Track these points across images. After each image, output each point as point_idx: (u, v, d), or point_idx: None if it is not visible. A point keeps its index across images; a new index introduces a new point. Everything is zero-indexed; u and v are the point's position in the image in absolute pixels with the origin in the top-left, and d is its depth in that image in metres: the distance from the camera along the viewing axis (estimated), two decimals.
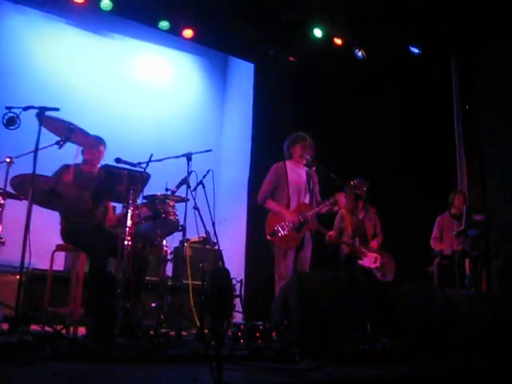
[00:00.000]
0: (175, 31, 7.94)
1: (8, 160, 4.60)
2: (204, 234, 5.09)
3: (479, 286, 6.60)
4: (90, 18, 7.85)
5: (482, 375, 2.95)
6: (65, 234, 4.84)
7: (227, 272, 3.76)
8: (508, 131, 7.37)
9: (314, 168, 5.56)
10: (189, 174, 5.13)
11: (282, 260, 5.23)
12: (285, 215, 5.31)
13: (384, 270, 6.37)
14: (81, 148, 4.94)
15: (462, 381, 2.76)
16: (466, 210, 6.48)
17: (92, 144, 4.64)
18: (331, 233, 6.40)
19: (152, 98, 8.75)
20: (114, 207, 5.11)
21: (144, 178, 4.50)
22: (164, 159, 5.12)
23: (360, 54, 8.26)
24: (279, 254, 5.27)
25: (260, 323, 4.58)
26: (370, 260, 6.29)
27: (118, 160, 4.70)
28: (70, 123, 4.00)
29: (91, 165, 4.94)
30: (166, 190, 5.05)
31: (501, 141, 7.49)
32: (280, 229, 5.26)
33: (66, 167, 4.87)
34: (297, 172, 5.56)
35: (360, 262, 6.30)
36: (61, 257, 6.21)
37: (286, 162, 5.60)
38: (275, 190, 5.49)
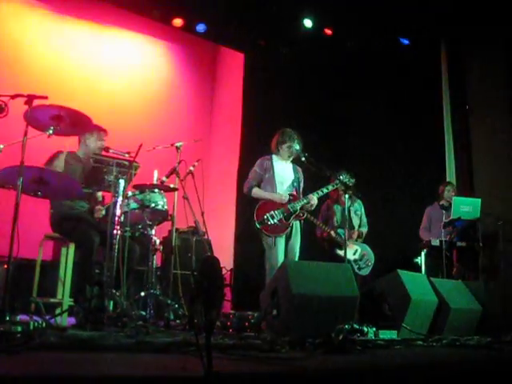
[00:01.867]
0: (165, 20, 7.90)
1: None
2: (193, 224, 5.09)
3: (466, 276, 6.66)
4: (78, 5, 7.79)
5: (469, 364, 2.98)
6: (54, 223, 4.83)
7: (217, 260, 3.76)
8: (497, 123, 7.42)
9: (302, 159, 5.53)
10: (178, 163, 5.12)
11: (271, 249, 5.26)
12: (274, 197, 5.33)
13: (361, 264, 6.36)
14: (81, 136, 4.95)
15: (451, 370, 2.78)
16: (455, 200, 6.52)
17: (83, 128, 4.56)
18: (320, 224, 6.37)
19: (141, 87, 8.71)
20: (103, 197, 5.09)
21: (133, 168, 4.48)
22: (153, 149, 5.11)
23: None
24: (269, 243, 5.29)
25: (249, 313, 4.59)
26: (349, 251, 6.24)
27: (107, 149, 4.69)
28: (61, 110, 3.93)
29: (88, 154, 4.89)
30: (156, 179, 5.04)
31: (490, 132, 7.53)
32: (269, 217, 5.29)
33: (59, 154, 4.85)
34: (283, 167, 5.61)
35: (340, 252, 6.31)
36: (49, 246, 6.19)
37: (273, 155, 5.62)
38: (261, 182, 5.52)
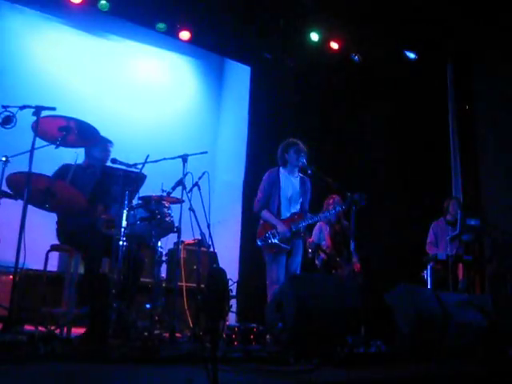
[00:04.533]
0: (172, 33, 7.95)
1: (4, 159, 4.57)
2: (199, 236, 5.09)
3: (473, 290, 6.63)
4: (87, 18, 7.84)
5: (475, 378, 2.96)
6: (60, 233, 4.83)
7: (224, 272, 3.76)
8: (503, 137, 7.41)
9: (308, 172, 5.53)
10: (184, 175, 5.13)
11: (272, 265, 5.24)
12: (278, 227, 5.30)
13: None
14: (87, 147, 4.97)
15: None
16: (461, 214, 6.50)
17: (93, 142, 4.60)
18: (311, 239, 6.39)
19: (148, 99, 8.74)
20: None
21: (140, 179, 4.50)
22: (160, 160, 5.13)
23: (356, 57, 8.29)
24: (269, 259, 5.28)
25: (254, 325, 4.58)
26: (343, 272, 6.23)
27: (113, 161, 4.71)
28: (69, 121, 3.96)
29: (93, 165, 4.90)
30: (162, 191, 5.05)
31: (496, 146, 7.52)
32: (271, 236, 5.26)
33: (66, 167, 4.86)
34: (290, 180, 5.53)
35: (335, 272, 6.31)
36: (55, 257, 6.19)
37: (280, 168, 5.57)
38: (270, 198, 5.48)
